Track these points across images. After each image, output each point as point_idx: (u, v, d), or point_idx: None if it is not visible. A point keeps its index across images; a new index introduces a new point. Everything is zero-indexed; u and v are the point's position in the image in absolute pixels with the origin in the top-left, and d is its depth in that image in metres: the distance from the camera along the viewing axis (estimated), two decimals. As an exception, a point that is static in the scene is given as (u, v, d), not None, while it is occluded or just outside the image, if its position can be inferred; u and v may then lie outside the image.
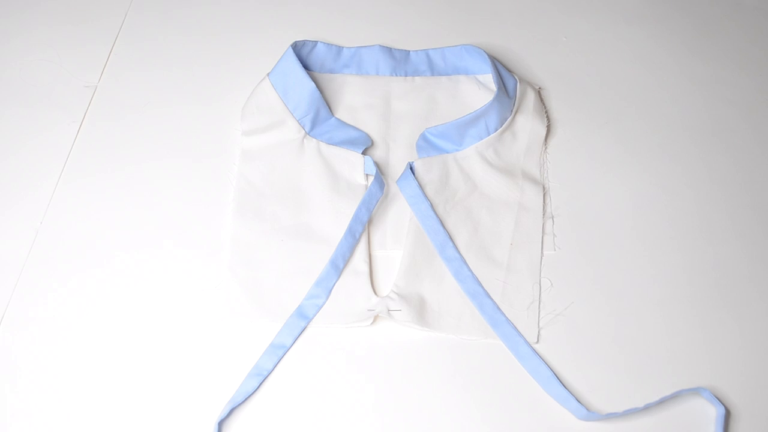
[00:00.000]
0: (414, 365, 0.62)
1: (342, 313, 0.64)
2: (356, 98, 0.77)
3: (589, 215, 0.71)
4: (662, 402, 0.60)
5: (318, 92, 0.72)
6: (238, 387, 0.60)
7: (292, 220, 0.68)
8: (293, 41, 0.75)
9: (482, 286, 0.65)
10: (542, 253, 0.68)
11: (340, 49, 0.78)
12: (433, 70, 0.79)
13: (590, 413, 0.59)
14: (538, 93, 0.77)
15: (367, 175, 0.71)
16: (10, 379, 0.60)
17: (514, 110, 0.73)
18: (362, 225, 0.68)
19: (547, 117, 0.76)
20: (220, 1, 0.86)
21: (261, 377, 0.60)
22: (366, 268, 0.66)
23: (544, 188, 0.71)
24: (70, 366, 0.61)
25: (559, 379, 0.61)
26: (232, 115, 0.75)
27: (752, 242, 0.69)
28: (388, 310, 0.63)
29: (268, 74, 0.74)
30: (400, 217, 0.69)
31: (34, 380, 0.60)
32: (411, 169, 0.70)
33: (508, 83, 0.74)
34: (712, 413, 0.60)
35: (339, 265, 0.65)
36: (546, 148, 0.74)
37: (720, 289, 0.67)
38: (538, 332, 0.64)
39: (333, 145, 0.72)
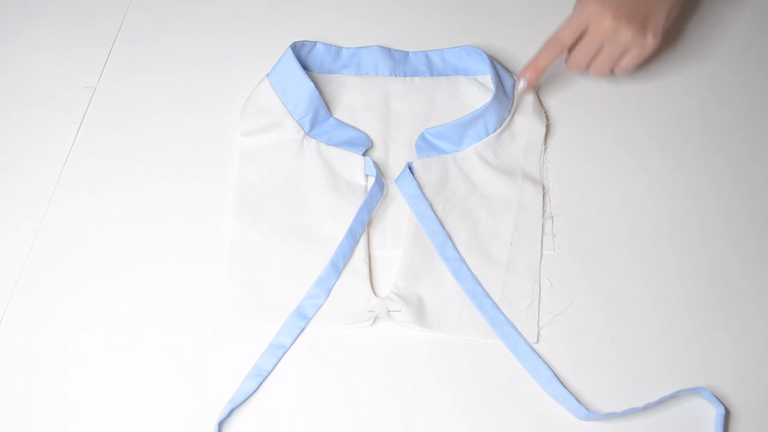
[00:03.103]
0: (414, 365, 0.62)
1: (341, 314, 0.64)
2: (355, 99, 0.77)
3: (589, 215, 0.71)
4: (662, 402, 0.60)
5: (317, 93, 0.72)
6: (237, 387, 0.60)
7: (291, 220, 0.68)
8: (292, 42, 0.75)
9: (482, 286, 0.65)
10: (542, 253, 0.68)
11: (339, 49, 0.78)
12: (432, 71, 0.79)
13: (590, 413, 0.59)
14: (537, 93, 0.77)
15: (366, 175, 0.71)
16: (10, 380, 0.60)
17: (513, 110, 0.73)
18: (363, 226, 0.68)
19: (546, 117, 0.76)
20: (219, 1, 0.86)
21: (260, 377, 0.60)
22: (365, 269, 0.66)
23: (543, 188, 0.71)
24: (70, 366, 0.61)
25: (558, 378, 0.61)
26: (231, 115, 0.75)
27: (752, 242, 0.69)
28: (388, 311, 0.63)
29: (267, 75, 0.74)
30: (399, 218, 0.69)
31: (34, 380, 0.60)
32: (410, 169, 0.70)
33: (507, 83, 0.74)
34: (712, 413, 0.60)
35: (339, 265, 0.65)
36: (545, 147, 0.74)
37: (720, 288, 0.67)
38: (538, 332, 0.64)
39: (332, 145, 0.72)
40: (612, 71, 0.69)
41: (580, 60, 0.69)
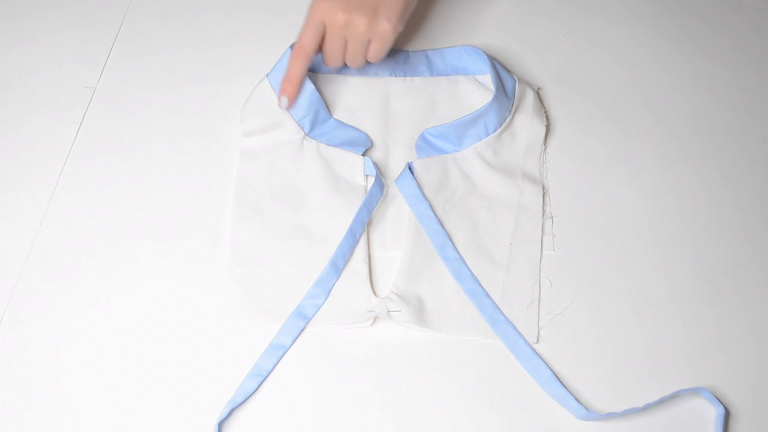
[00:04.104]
0: (414, 365, 0.62)
1: (341, 314, 0.64)
2: (355, 99, 0.77)
3: (589, 215, 0.71)
4: (662, 402, 0.60)
5: (317, 93, 0.72)
6: (237, 387, 0.60)
7: (291, 220, 0.68)
8: (292, 41, 0.75)
9: (482, 286, 0.65)
10: (542, 253, 0.68)
11: (339, 49, 0.78)
12: (432, 71, 0.79)
13: (590, 413, 0.59)
14: (537, 93, 0.77)
15: (366, 176, 0.71)
16: (10, 380, 0.60)
17: (513, 110, 0.73)
18: (363, 226, 0.68)
19: (547, 117, 0.76)
20: (219, 1, 0.86)
21: (260, 377, 0.60)
22: (365, 269, 0.66)
23: (543, 188, 0.71)
24: (70, 366, 0.61)
25: (558, 378, 0.61)
26: (231, 115, 0.75)
27: (752, 242, 0.69)
28: (388, 311, 0.63)
29: (267, 75, 0.74)
30: (399, 218, 0.69)
31: (34, 380, 0.60)
32: (410, 169, 0.70)
33: (507, 83, 0.74)
34: (712, 413, 0.60)
35: (339, 265, 0.65)
36: (545, 148, 0.74)
37: (720, 288, 0.67)
38: (538, 332, 0.64)
39: (332, 146, 0.72)
40: (367, 60, 0.72)
41: (331, 58, 0.71)
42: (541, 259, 0.67)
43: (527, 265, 0.67)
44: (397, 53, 0.78)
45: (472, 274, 0.66)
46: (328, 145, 0.72)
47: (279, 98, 0.71)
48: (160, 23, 0.84)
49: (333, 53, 0.71)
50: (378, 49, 0.70)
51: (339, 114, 0.76)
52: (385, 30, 0.69)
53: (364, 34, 0.68)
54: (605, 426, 0.60)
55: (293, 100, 0.71)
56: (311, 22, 0.69)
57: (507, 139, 0.73)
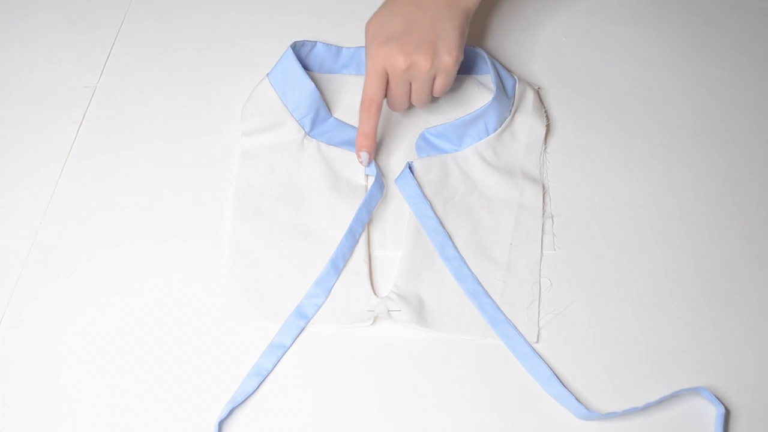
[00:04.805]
0: (414, 365, 0.62)
1: (341, 314, 0.64)
2: (355, 98, 0.76)
3: (589, 215, 0.71)
4: (662, 402, 0.60)
5: (318, 93, 0.72)
6: (237, 387, 0.60)
7: (291, 220, 0.68)
8: (293, 41, 0.75)
9: (482, 286, 0.65)
10: (542, 252, 0.68)
11: (339, 49, 0.78)
12: (432, 71, 0.79)
13: (590, 413, 0.59)
14: (537, 93, 0.77)
15: (366, 175, 0.71)
16: (10, 380, 0.60)
17: (513, 110, 0.73)
18: (362, 225, 0.68)
19: (547, 117, 0.76)
20: (219, 1, 0.86)
21: (261, 377, 0.60)
22: (365, 268, 0.66)
23: (543, 188, 0.71)
24: (70, 366, 0.61)
25: (558, 378, 0.61)
26: (231, 115, 0.75)
27: (752, 242, 0.69)
28: (388, 311, 0.63)
29: (267, 74, 0.74)
30: (399, 217, 0.69)
31: (34, 380, 0.60)
32: (410, 169, 0.70)
33: (507, 83, 0.74)
34: (712, 413, 0.60)
35: (339, 265, 0.65)
36: (545, 147, 0.74)
37: (720, 288, 0.67)
38: (538, 332, 0.64)
39: (333, 145, 0.72)
40: (433, 97, 0.71)
41: (397, 103, 0.70)
42: (541, 258, 0.67)
43: (527, 264, 0.67)
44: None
45: (472, 273, 0.66)
46: (329, 144, 0.72)
47: (358, 155, 0.70)
48: (160, 23, 0.84)
49: (400, 98, 0.69)
50: (444, 83, 0.69)
51: (339, 113, 0.76)
52: (449, 63, 0.67)
53: (428, 72, 0.67)
54: (605, 426, 0.60)
55: (373, 153, 0.70)
56: (373, 71, 0.67)
57: (507, 139, 0.73)
